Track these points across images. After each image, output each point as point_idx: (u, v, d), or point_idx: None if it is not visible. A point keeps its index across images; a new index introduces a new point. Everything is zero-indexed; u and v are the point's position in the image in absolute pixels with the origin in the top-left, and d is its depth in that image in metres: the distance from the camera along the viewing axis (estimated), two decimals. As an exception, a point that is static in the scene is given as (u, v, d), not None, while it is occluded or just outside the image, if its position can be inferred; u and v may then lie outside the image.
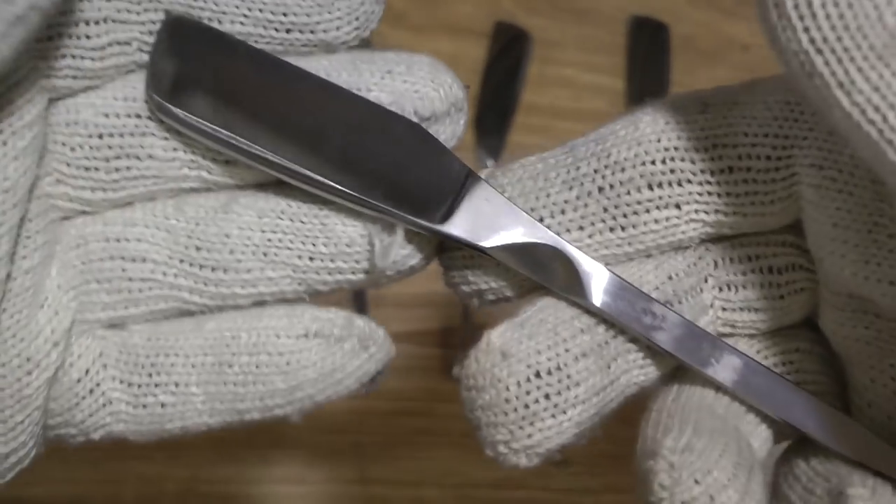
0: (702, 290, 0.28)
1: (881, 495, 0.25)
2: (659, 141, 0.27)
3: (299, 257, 0.29)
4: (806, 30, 0.22)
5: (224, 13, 0.28)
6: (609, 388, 0.28)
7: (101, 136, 0.28)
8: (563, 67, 0.73)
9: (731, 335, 0.29)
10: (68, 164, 0.28)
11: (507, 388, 0.27)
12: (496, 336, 0.27)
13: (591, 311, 0.28)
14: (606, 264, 0.28)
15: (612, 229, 0.28)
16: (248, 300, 0.29)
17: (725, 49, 0.74)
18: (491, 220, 0.28)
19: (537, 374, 0.27)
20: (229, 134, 0.28)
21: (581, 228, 0.28)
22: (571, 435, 0.27)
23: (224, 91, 0.28)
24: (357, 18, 0.29)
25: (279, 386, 0.29)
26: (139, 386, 0.29)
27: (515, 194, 0.29)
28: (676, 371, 0.29)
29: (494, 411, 0.27)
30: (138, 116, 0.28)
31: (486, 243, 0.28)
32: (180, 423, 0.29)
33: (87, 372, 0.29)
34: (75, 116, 0.28)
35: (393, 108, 0.28)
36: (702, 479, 0.24)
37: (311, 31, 0.28)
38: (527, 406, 0.27)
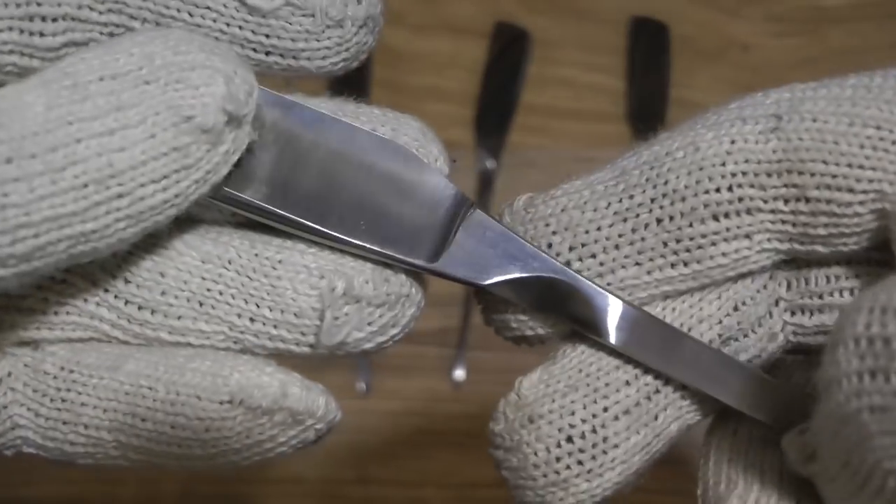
0: (771, 315, 0.26)
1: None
2: (724, 165, 0.24)
3: (238, 315, 0.26)
4: None
5: (198, 26, 0.25)
6: (654, 441, 0.25)
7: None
8: (563, 67, 0.73)
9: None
10: None
11: (535, 454, 0.24)
12: (527, 388, 0.25)
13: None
14: (666, 297, 0.25)
15: (673, 265, 0.25)
16: (175, 347, 0.26)
17: (725, 49, 0.74)
18: (489, 252, 0.25)
19: (569, 439, 0.24)
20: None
21: (638, 265, 0.25)
22: (610, 493, 0.25)
23: None
24: (347, 50, 0.26)
25: (196, 452, 0.25)
26: (46, 419, 0.26)
27: (561, 227, 0.25)
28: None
29: (522, 475, 0.25)
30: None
31: (486, 280, 0.25)
32: (91, 460, 0.27)
33: None
34: None
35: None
36: None
37: (294, 58, 0.26)
38: (557, 472, 0.24)
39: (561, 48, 0.73)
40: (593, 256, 0.25)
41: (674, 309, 0.26)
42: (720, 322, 0.25)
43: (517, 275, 0.25)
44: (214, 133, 0.23)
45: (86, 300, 0.26)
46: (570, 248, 0.25)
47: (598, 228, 0.25)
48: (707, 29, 0.74)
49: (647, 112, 0.70)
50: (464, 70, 0.72)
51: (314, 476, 0.61)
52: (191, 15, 0.25)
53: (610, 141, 0.69)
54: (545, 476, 0.24)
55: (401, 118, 0.27)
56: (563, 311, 0.25)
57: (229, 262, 0.26)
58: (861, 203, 0.23)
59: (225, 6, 0.25)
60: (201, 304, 0.26)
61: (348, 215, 0.25)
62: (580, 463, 0.24)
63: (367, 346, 0.26)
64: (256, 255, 0.26)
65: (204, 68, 0.23)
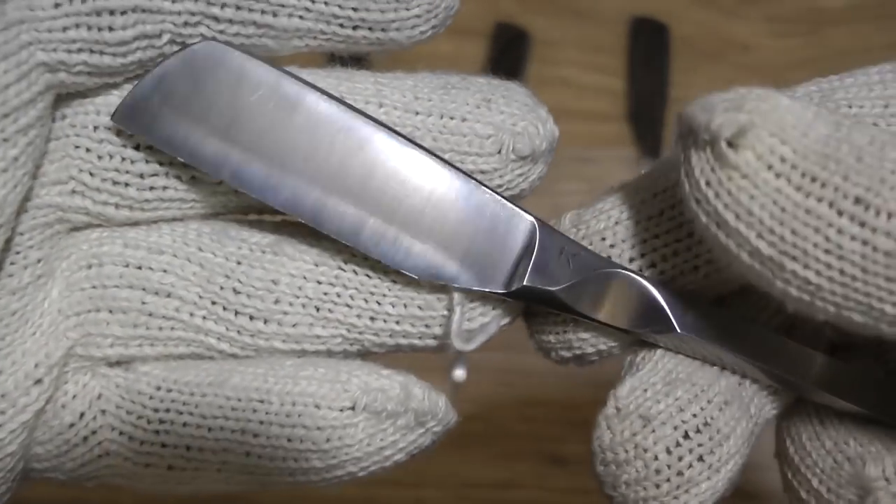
0: None
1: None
2: None
3: (358, 316, 0.24)
4: None
5: (282, 6, 0.23)
6: (753, 430, 0.25)
7: (137, 147, 0.23)
8: (563, 67, 0.73)
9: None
10: (92, 175, 0.23)
11: (656, 458, 0.23)
12: (625, 398, 0.24)
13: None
14: (719, 298, 0.25)
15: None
16: (288, 356, 0.25)
17: (725, 49, 0.74)
18: (558, 267, 0.25)
19: (685, 435, 0.23)
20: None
21: (696, 269, 0.25)
22: (727, 490, 0.24)
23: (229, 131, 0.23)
24: (436, 16, 0.25)
25: (315, 465, 0.24)
26: (142, 443, 0.24)
27: (619, 240, 0.25)
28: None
29: (645, 485, 0.23)
30: None
31: (554, 288, 0.24)
32: (191, 488, 0.25)
33: (81, 416, 0.24)
34: (107, 120, 0.23)
35: (491, 143, 0.25)
36: None
37: (383, 30, 0.24)
38: (680, 473, 0.23)
39: (561, 48, 0.73)
40: (653, 266, 0.25)
41: (729, 307, 0.25)
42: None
43: (576, 279, 0.24)
44: None
45: (192, 314, 0.24)
46: (630, 260, 0.25)
47: (656, 237, 0.25)
48: (707, 29, 0.74)
49: (647, 112, 0.70)
50: (464, 70, 0.72)
51: (314, 476, 0.61)
52: None
53: (610, 141, 0.69)
54: (668, 480, 0.23)
55: (508, 85, 0.26)
56: (626, 310, 0.25)
57: (344, 263, 0.24)
58: None
59: None
60: (318, 310, 0.24)
61: (426, 252, 0.24)
62: (701, 459, 0.23)
63: (494, 330, 0.25)
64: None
65: None
